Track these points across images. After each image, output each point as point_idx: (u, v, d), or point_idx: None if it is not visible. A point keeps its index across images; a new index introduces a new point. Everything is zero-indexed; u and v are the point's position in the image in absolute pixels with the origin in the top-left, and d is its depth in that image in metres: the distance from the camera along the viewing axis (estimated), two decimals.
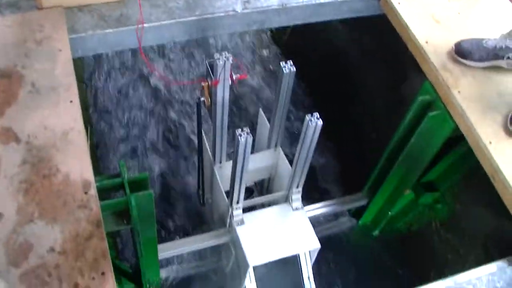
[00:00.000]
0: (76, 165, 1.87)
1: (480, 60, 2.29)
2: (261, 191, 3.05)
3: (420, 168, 2.66)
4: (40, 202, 1.78)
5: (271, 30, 4.58)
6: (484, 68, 2.32)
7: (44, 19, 2.29)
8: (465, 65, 2.31)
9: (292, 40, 4.29)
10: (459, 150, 2.66)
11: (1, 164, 1.86)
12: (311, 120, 2.08)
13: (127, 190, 1.97)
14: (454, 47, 2.33)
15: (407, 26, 2.43)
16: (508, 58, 2.28)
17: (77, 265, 1.66)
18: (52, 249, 1.69)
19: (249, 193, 3.06)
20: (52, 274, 1.64)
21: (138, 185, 2.02)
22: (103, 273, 1.65)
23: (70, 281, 1.63)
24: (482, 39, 2.30)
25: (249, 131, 2.02)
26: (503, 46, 2.26)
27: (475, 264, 2.02)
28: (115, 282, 1.65)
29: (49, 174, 1.84)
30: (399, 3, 2.52)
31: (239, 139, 2.02)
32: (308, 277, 2.68)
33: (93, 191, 1.81)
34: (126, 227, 2.03)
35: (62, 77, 2.12)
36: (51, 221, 1.74)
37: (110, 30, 2.37)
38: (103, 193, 1.98)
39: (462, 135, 2.22)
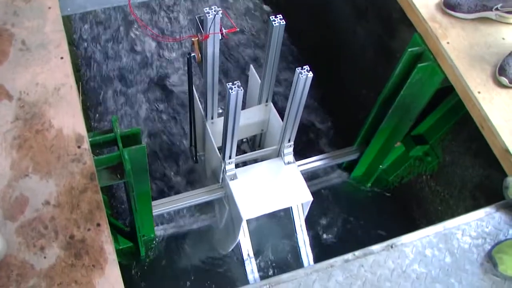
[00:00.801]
0: (69, 119, 1.89)
1: (469, 11, 2.30)
2: (253, 147, 3.07)
3: (411, 120, 2.68)
4: (34, 156, 1.80)
5: None
6: (473, 19, 2.33)
7: None
8: (454, 16, 2.32)
9: None
10: (447, 102, 2.69)
11: None
12: (301, 73, 2.09)
13: (120, 145, 1.99)
14: None
15: None
16: (497, 9, 2.28)
17: (72, 217, 1.69)
18: (47, 202, 1.71)
19: (242, 152, 3.09)
20: (48, 226, 1.67)
21: (130, 139, 2.04)
22: (98, 224, 1.68)
23: (66, 233, 1.66)
24: None
25: (240, 84, 2.03)
26: None
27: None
28: (110, 233, 1.68)
29: (42, 129, 1.86)
30: None
31: (230, 93, 2.03)
32: (301, 230, 2.72)
33: (86, 145, 1.83)
34: (120, 181, 2.05)
35: (52, 34, 2.13)
36: (46, 175, 1.77)
37: None
38: (96, 149, 2.01)
39: (451, 86, 2.24)
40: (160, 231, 3.11)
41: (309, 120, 3.69)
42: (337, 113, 3.72)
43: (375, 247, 1.87)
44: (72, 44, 3.90)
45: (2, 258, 1.61)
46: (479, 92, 2.11)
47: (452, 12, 2.31)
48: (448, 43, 2.22)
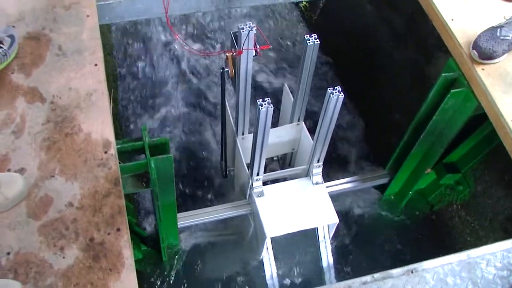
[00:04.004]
0: (98, 125, 1.92)
1: (503, 53, 2.23)
2: (283, 166, 3.06)
3: (442, 146, 2.64)
4: (61, 159, 1.83)
5: (301, 9, 4.57)
6: None
7: None
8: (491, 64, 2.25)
9: (322, 19, 4.28)
10: (482, 131, 2.65)
11: (26, 122, 1.92)
12: (332, 93, 2.08)
13: (147, 153, 2.01)
14: (475, 52, 2.20)
15: (433, 3, 2.41)
16: None
17: (93, 220, 1.71)
18: (70, 204, 1.73)
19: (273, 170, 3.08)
20: (69, 227, 1.69)
21: (158, 148, 2.06)
22: (118, 229, 1.69)
23: (86, 235, 1.68)
24: (494, 30, 2.22)
25: (270, 101, 2.04)
26: None
27: None
28: (129, 238, 1.69)
29: (72, 132, 1.89)
30: None
31: (260, 109, 2.04)
32: (326, 251, 2.70)
33: (112, 151, 1.86)
34: (144, 189, 2.07)
35: (88, 42, 2.17)
36: (71, 177, 1.79)
37: None
38: (124, 156, 2.03)
39: (485, 114, 2.20)
40: (184, 240, 3.11)
41: (342, 140, 3.67)
42: (370, 134, 3.69)
43: (395, 271, 1.84)
44: (111, 55, 3.96)
45: (21, 200, 1.72)
46: None
47: (490, 61, 2.21)
48: (483, 69, 2.18)
